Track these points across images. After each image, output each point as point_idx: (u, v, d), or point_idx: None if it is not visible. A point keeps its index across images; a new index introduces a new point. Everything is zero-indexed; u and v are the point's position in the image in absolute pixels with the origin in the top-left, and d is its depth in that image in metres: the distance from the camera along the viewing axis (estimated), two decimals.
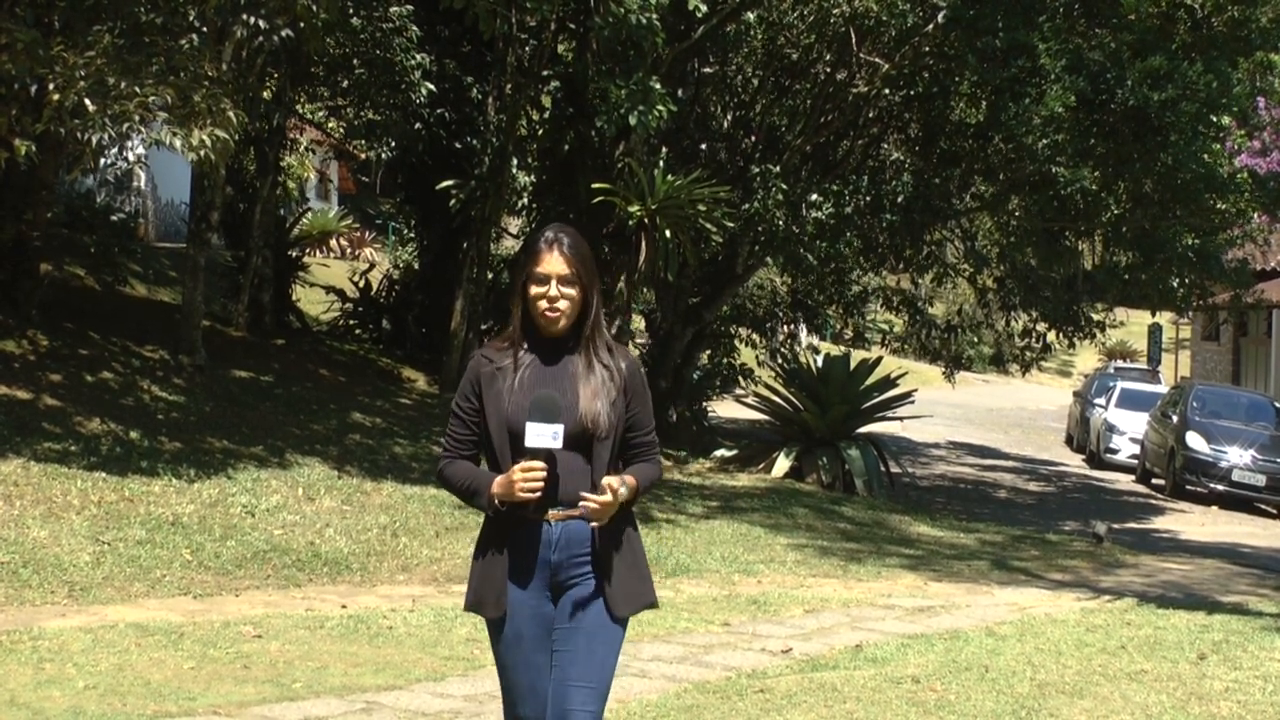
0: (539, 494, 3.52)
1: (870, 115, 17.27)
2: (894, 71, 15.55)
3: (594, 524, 3.57)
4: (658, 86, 12.86)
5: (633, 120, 12.67)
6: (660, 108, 12.74)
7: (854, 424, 16.39)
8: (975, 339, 36.94)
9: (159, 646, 6.69)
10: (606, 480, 3.56)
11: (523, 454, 3.53)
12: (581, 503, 3.53)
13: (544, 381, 3.61)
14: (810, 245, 15.62)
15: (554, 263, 3.62)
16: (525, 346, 3.67)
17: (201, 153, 9.46)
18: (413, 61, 14.63)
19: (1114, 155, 15.23)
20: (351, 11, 13.92)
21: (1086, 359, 47.05)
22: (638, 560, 3.72)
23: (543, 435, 3.49)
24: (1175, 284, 17.16)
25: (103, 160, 17.13)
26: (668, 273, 14.12)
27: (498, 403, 3.62)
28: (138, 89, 9.27)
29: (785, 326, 24.45)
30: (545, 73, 15.22)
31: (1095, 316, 18.92)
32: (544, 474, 3.50)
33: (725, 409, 20.83)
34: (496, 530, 3.65)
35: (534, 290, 3.63)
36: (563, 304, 3.62)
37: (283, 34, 10.52)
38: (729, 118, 17.86)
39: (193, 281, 13.11)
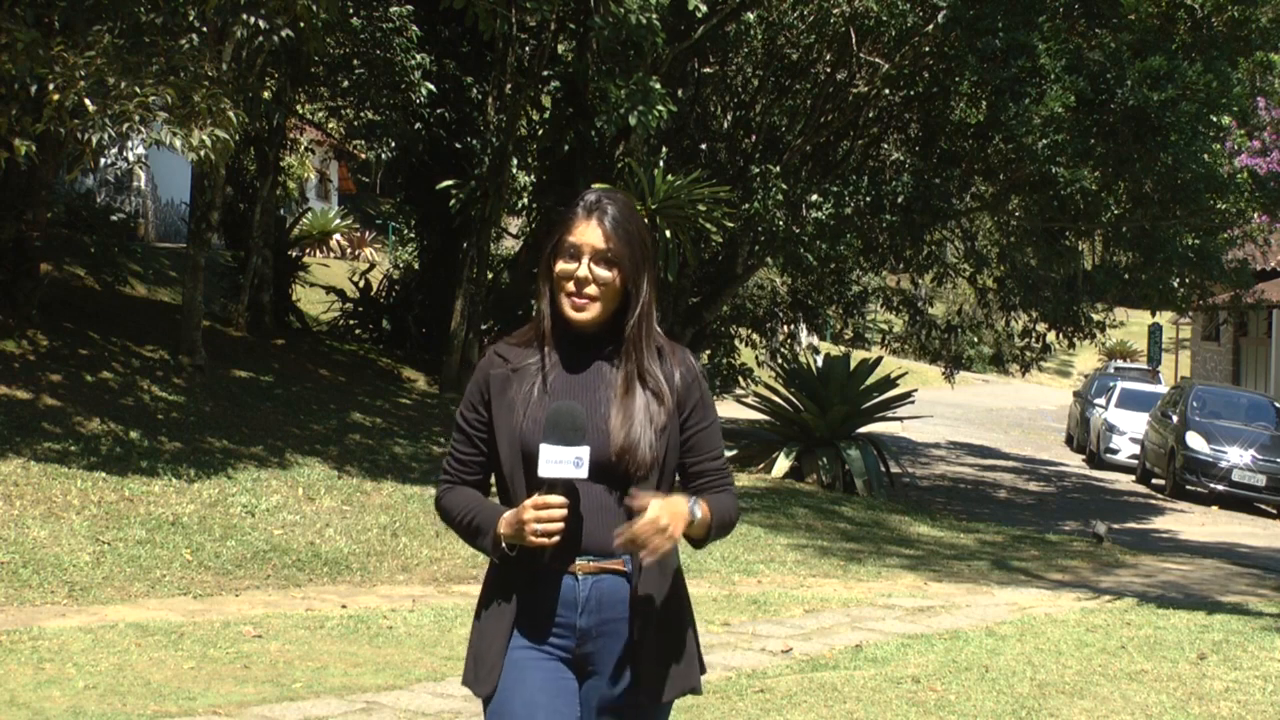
0: (556, 538, 2.72)
1: (870, 115, 17.28)
2: (894, 71, 15.56)
3: (646, 559, 2.72)
4: (658, 86, 12.87)
5: (633, 120, 12.68)
6: (660, 108, 12.75)
7: (854, 424, 16.39)
8: (975, 339, 36.98)
9: (159, 646, 6.68)
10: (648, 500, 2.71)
11: (539, 484, 2.73)
12: (618, 541, 2.71)
13: (569, 390, 2.80)
14: (810, 245, 15.63)
15: (590, 233, 2.78)
16: (553, 343, 2.85)
17: (201, 153, 9.47)
18: (413, 61, 14.64)
19: (1114, 155, 15.24)
20: (351, 11, 13.93)
21: (1086, 359, 47.09)
22: (687, 627, 2.89)
23: (560, 462, 2.69)
24: (1175, 284, 17.19)
25: (103, 160, 17.17)
26: (668, 273, 14.12)
27: (510, 415, 2.81)
28: (138, 89, 9.27)
29: (785, 326, 24.47)
30: (545, 73, 15.23)
31: (1095, 316, 18.94)
32: (563, 513, 2.70)
33: (725, 409, 20.82)
34: (503, 580, 2.84)
35: (560, 266, 2.80)
36: (593, 289, 2.78)
37: (283, 34, 10.52)
38: (729, 118, 17.87)
39: (193, 281, 13.12)
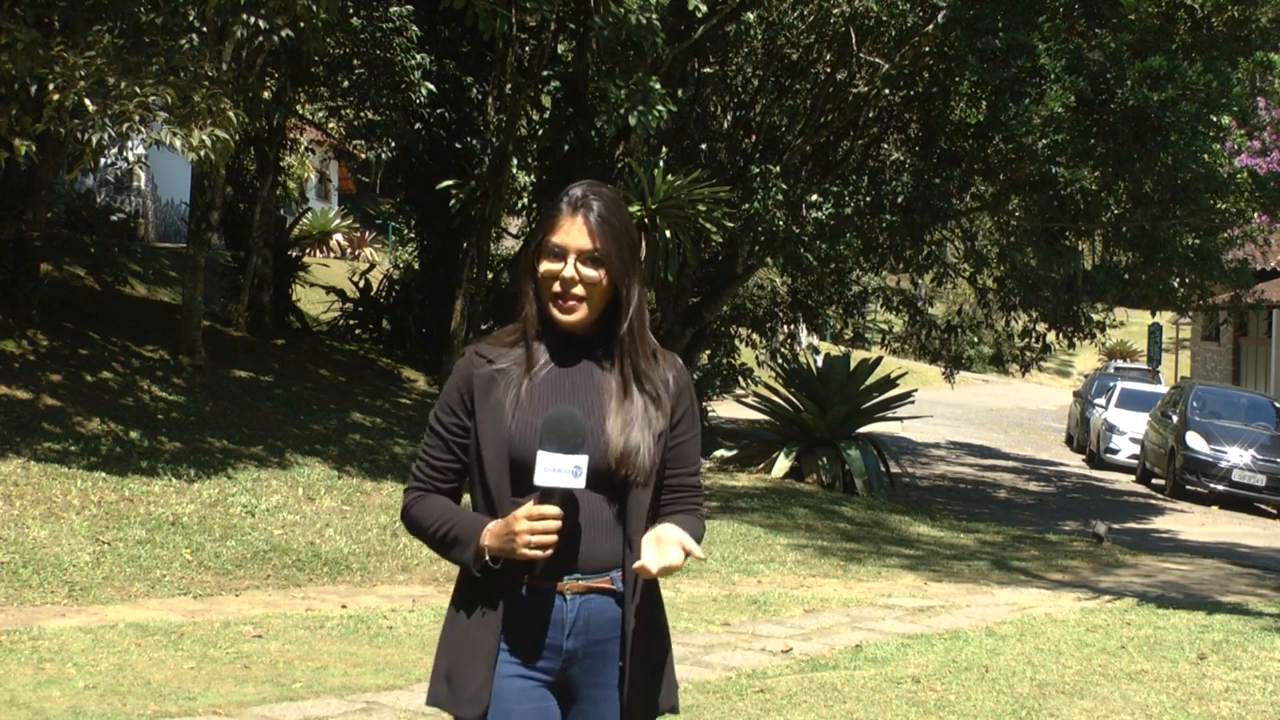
0: (549, 551, 2.55)
1: (870, 115, 17.27)
2: (894, 71, 15.55)
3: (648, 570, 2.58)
4: (658, 86, 12.87)
5: (633, 120, 12.68)
6: (660, 108, 12.75)
7: (854, 424, 16.40)
8: (975, 339, 37.00)
9: (159, 646, 6.69)
10: (660, 536, 2.60)
11: (527, 493, 2.57)
12: (638, 565, 2.58)
13: (560, 393, 2.64)
14: (810, 245, 15.62)
15: (575, 233, 2.63)
16: (540, 343, 2.69)
17: (201, 153, 9.47)
18: (413, 61, 14.64)
19: (1114, 155, 15.23)
20: (351, 11, 13.93)
21: (1086, 359, 47.08)
22: (667, 648, 2.82)
23: (559, 470, 2.52)
24: (1175, 284, 17.20)
25: (103, 160, 17.17)
26: (668, 273, 14.12)
27: (497, 419, 2.62)
28: (138, 89, 9.27)
29: (785, 326, 24.46)
30: (545, 73, 15.23)
31: (1095, 316, 18.94)
32: (558, 524, 2.54)
33: (725, 409, 20.84)
34: (482, 594, 2.63)
35: (544, 267, 2.65)
36: (580, 290, 2.64)
37: (283, 34, 10.52)
38: (729, 118, 17.87)
39: (193, 281, 13.12)
